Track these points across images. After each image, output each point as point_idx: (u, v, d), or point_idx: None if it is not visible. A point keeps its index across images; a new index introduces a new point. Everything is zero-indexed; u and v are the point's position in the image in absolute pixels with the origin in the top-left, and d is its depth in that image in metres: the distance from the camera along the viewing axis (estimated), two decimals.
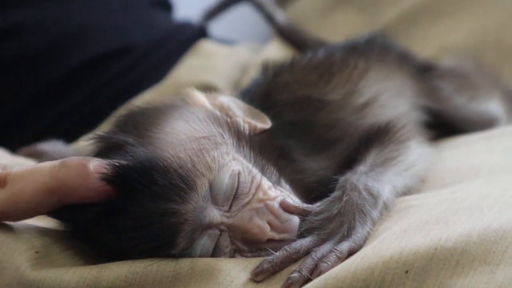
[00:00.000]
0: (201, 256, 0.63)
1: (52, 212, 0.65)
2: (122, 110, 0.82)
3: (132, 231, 0.62)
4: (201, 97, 0.71)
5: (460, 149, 0.80)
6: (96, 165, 0.62)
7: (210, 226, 0.62)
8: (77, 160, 0.62)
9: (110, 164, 0.62)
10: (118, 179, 0.61)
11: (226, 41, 1.24)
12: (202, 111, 0.68)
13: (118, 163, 0.62)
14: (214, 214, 0.62)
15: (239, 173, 0.64)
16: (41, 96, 1.05)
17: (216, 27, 1.34)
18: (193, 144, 0.64)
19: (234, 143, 0.66)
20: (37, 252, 0.65)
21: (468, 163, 0.74)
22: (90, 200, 0.62)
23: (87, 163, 0.62)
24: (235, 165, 0.64)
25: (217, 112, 0.69)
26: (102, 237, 0.64)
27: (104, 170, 0.61)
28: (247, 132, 0.69)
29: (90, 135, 0.69)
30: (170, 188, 0.61)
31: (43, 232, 0.67)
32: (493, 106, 0.92)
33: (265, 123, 0.71)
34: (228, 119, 0.69)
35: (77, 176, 0.62)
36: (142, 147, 0.63)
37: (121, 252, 0.64)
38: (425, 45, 1.13)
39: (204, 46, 1.13)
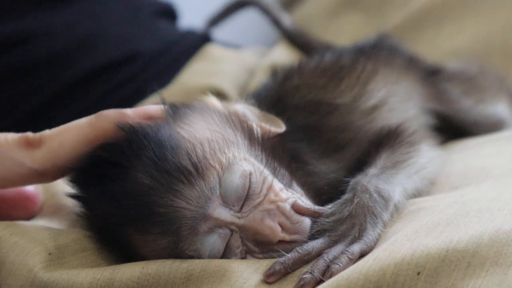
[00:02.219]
0: (211, 255, 0.63)
1: (73, 176, 0.67)
2: None
3: (135, 199, 0.62)
4: (216, 102, 0.72)
5: (468, 152, 0.81)
6: (133, 110, 0.66)
7: (219, 223, 0.63)
8: (114, 110, 0.66)
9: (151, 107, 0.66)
10: (134, 137, 0.63)
11: (232, 45, 1.25)
12: (217, 112, 0.69)
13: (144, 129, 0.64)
14: (223, 212, 0.63)
15: (250, 174, 0.64)
16: (49, 102, 1.06)
17: (222, 31, 1.34)
18: (207, 135, 0.65)
19: (246, 144, 0.67)
20: (50, 254, 0.65)
21: (476, 165, 0.75)
22: None
23: (123, 110, 0.66)
24: (246, 165, 0.65)
25: (232, 116, 0.70)
26: (105, 208, 0.64)
27: (144, 111, 0.66)
28: (259, 135, 0.69)
29: None
30: (179, 168, 0.62)
31: (56, 234, 0.68)
32: (501, 108, 0.92)
33: (279, 127, 0.72)
34: (242, 123, 0.69)
35: (118, 121, 0.65)
36: (162, 128, 0.65)
37: (127, 234, 0.64)
38: (431, 48, 1.13)
39: (211, 50, 1.14)
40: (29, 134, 0.67)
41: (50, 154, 0.66)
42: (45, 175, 0.68)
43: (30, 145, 0.66)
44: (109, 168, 0.64)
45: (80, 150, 0.66)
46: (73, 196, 0.67)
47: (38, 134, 0.67)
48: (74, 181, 0.67)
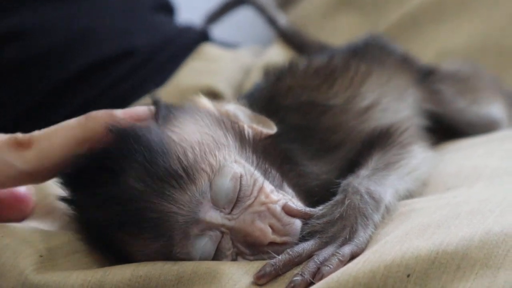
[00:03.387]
0: (202, 258, 0.63)
1: (62, 179, 0.67)
2: None
3: (126, 204, 0.62)
4: (208, 103, 0.72)
5: (461, 153, 0.81)
6: (123, 111, 0.66)
7: (210, 226, 0.63)
8: (103, 111, 0.66)
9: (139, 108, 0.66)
10: (125, 141, 0.63)
11: (228, 44, 1.24)
12: (208, 113, 0.69)
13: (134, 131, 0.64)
14: (214, 215, 0.63)
15: (241, 176, 0.64)
16: (45, 99, 1.06)
17: (219, 30, 1.34)
18: (198, 139, 0.65)
19: (237, 146, 0.67)
20: (41, 256, 0.65)
21: (469, 166, 0.75)
22: None
23: (113, 111, 0.66)
24: (236, 167, 0.64)
25: (223, 118, 0.70)
26: (97, 212, 0.64)
27: (134, 112, 0.66)
28: (251, 136, 0.69)
29: None
30: (170, 172, 0.62)
31: (47, 236, 0.68)
32: (495, 109, 0.92)
33: (270, 129, 0.72)
34: (233, 124, 0.69)
35: (107, 122, 0.65)
36: (153, 130, 0.64)
37: (117, 239, 0.64)
38: (426, 49, 1.13)
39: (207, 50, 1.14)
40: (19, 135, 0.67)
41: (40, 155, 0.66)
42: (36, 176, 0.67)
43: (20, 146, 0.66)
44: (100, 173, 0.64)
45: (69, 151, 0.66)
46: (64, 200, 0.67)
47: (27, 135, 0.66)
48: (66, 185, 0.67)
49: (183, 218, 0.62)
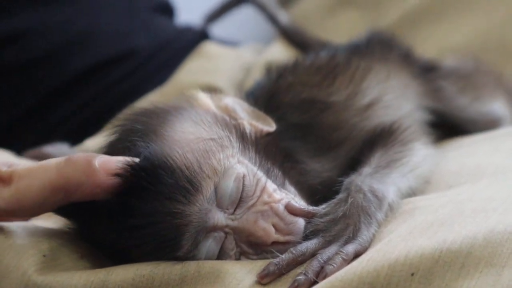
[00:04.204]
0: (206, 258, 0.63)
1: (58, 210, 0.65)
2: (126, 112, 0.82)
3: (135, 230, 0.62)
4: (206, 99, 0.71)
5: (464, 150, 0.80)
6: (102, 161, 0.61)
7: (215, 228, 0.63)
8: (83, 157, 0.62)
9: (118, 160, 0.62)
10: (124, 175, 0.61)
11: (229, 43, 1.24)
12: (208, 113, 0.69)
13: (126, 160, 0.62)
14: (219, 217, 0.63)
15: (244, 176, 0.64)
16: (46, 99, 1.06)
17: (220, 28, 1.34)
18: (200, 145, 0.64)
19: (240, 145, 0.67)
20: (44, 256, 0.65)
21: (472, 164, 0.74)
22: (96, 197, 0.62)
23: (92, 159, 0.61)
24: (240, 168, 0.64)
25: (222, 115, 0.69)
26: (106, 237, 0.64)
27: (111, 167, 0.61)
28: (252, 135, 0.69)
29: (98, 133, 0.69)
30: (176, 188, 0.61)
31: (50, 235, 0.68)
32: (497, 106, 0.92)
33: (270, 126, 0.71)
34: (234, 122, 0.69)
35: (82, 173, 0.61)
36: (150, 145, 0.63)
37: (125, 252, 0.64)
38: (428, 45, 1.13)
39: (207, 48, 1.13)
40: (2, 168, 0.64)
41: (17, 195, 0.63)
42: (14, 215, 0.66)
43: (0, 181, 0.64)
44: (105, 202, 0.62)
45: (45, 195, 0.62)
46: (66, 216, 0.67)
47: (9, 171, 0.63)
48: (66, 215, 0.66)
49: (194, 228, 0.62)
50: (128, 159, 0.62)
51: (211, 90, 1.02)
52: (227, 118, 0.69)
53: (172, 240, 0.62)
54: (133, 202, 0.62)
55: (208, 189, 0.62)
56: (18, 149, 0.99)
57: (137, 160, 0.62)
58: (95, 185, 0.61)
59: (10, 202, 0.63)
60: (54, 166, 0.62)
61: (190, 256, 0.63)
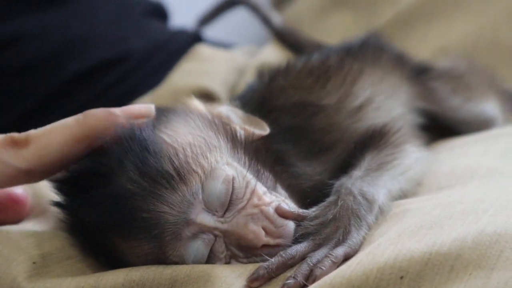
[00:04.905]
0: (195, 261, 0.63)
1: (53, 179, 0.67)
2: None
3: (118, 203, 0.62)
4: (200, 105, 0.71)
5: (455, 151, 0.80)
6: (122, 108, 0.66)
7: (202, 229, 0.63)
8: (101, 109, 0.66)
9: (138, 106, 0.66)
10: (119, 140, 0.63)
11: (222, 45, 1.24)
12: (200, 116, 0.69)
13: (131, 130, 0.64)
14: (206, 217, 0.63)
15: (233, 178, 0.64)
16: (41, 104, 1.06)
17: (214, 30, 1.34)
18: (189, 140, 0.65)
19: (229, 148, 0.67)
20: (34, 263, 0.65)
21: (463, 165, 0.74)
22: None
23: (111, 109, 0.65)
24: (228, 170, 0.64)
25: (215, 119, 0.69)
26: (89, 214, 0.64)
27: (132, 111, 0.66)
28: (243, 137, 0.69)
29: None
30: (161, 172, 0.62)
31: (41, 241, 0.68)
32: (489, 107, 0.92)
33: (263, 130, 0.71)
34: (225, 126, 0.69)
35: (105, 120, 0.65)
36: (147, 130, 0.65)
37: (109, 239, 0.64)
38: (421, 46, 1.13)
39: (200, 50, 1.13)
40: (15, 134, 0.67)
41: (38, 153, 0.65)
42: (33, 175, 0.67)
43: (16, 144, 0.66)
44: (94, 175, 0.64)
45: (68, 149, 0.65)
46: (57, 204, 0.67)
47: (24, 134, 0.66)
48: (59, 190, 0.67)
49: (173, 218, 0.62)
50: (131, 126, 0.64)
51: (204, 92, 1.03)
52: (219, 122, 0.69)
53: (151, 225, 0.62)
54: (117, 174, 0.62)
55: (193, 183, 0.63)
56: None
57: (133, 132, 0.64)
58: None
59: (32, 161, 0.65)
60: (74, 120, 0.65)
61: (177, 255, 0.63)
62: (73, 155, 0.66)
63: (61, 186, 0.67)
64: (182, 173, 0.62)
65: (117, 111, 0.66)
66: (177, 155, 0.63)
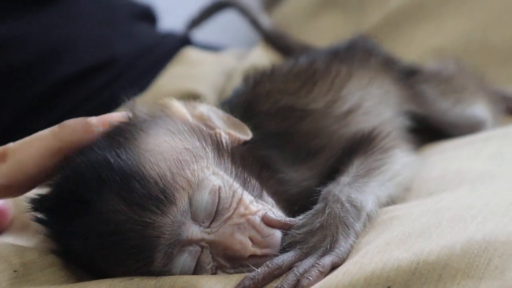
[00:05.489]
0: (182, 273, 0.62)
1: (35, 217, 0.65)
2: None
3: (106, 236, 0.60)
4: (180, 107, 0.70)
5: (445, 155, 0.79)
6: (98, 118, 0.65)
7: (190, 242, 0.61)
8: (77, 119, 0.65)
9: (113, 115, 0.65)
10: (98, 174, 0.61)
11: (211, 48, 1.23)
12: (182, 122, 0.67)
13: (105, 157, 0.62)
14: (194, 230, 0.61)
15: (219, 188, 0.63)
16: (27, 109, 1.05)
17: (203, 33, 1.33)
18: (173, 155, 0.63)
19: (215, 156, 0.65)
20: (15, 271, 0.64)
21: (453, 169, 0.73)
22: None
23: (87, 119, 0.65)
24: (215, 180, 0.63)
25: (198, 124, 0.68)
26: (79, 243, 0.62)
27: (108, 119, 0.64)
28: (228, 144, 0.68)
29: None
30: (149, 198, 0.60)
31: (22, 251, 0.67)
32: (479, 109, 0.91)
33: (246, 134, 0.70)
34: (209, 131, 0.68)
35: (82, 131, 0.64)
36: (125, 153, 0.62)
37: (97, 263, 0.63)
38: (410, 48, 1.12)
39: (188, 54, 1.12)
40: None
41: (15, 168, 0.65)
42: (12, 190, 0.66)
43: None
44: (76, 202, 0.61)
45: (44, 162, 0.64)
46: (39, 221, 0.65)
47: (2, 148, 0.65)
48: (40, 210, 0.65)
49: (166, 241, 0.61)
50: (108, 157, 0.62)
51: (192, 96, 1.01)
52: (203, 127, 0.68)
53: (142, 251, 0.60)
54: (104, 207, 0.60)
55: (182, 201, 0.61)
56: None
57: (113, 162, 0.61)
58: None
59: (10, 175, 0.64)
60: (50, 133, 0.65)
61: (165, 270, 0.61)
62: (51, 168, 0.64)
63: (39, 206, 0.65)
64: (170, 194, 0.61)
65: (94, 120, 0.65)
66: (163, 174, 0.61)
